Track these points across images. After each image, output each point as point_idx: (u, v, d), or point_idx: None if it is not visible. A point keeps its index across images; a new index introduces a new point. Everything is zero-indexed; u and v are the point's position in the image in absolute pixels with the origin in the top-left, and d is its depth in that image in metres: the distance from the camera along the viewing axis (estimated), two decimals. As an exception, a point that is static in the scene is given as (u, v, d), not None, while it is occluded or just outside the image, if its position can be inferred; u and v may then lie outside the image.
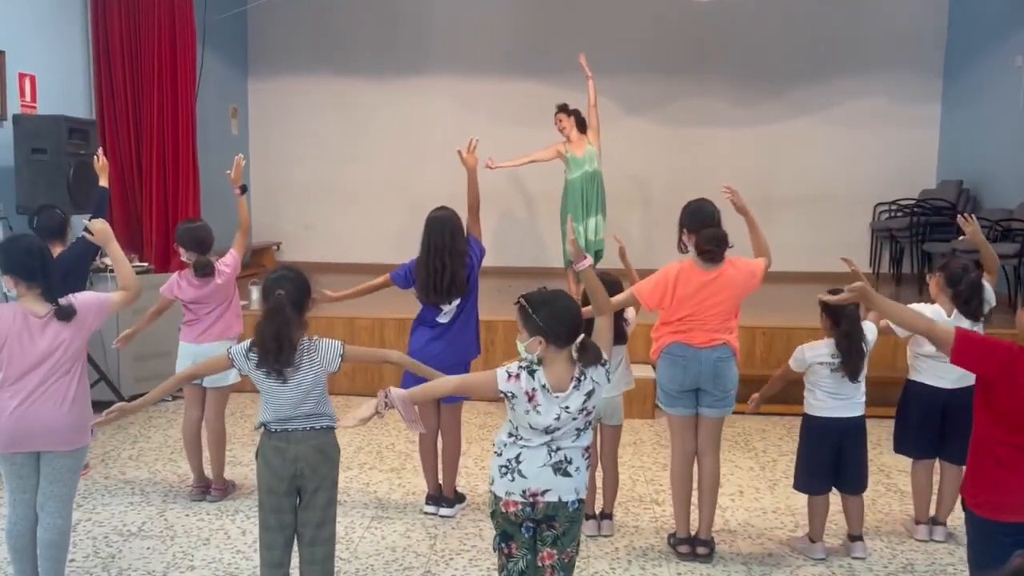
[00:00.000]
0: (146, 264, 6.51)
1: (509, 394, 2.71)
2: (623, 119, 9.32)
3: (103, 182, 4.96)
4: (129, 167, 6.94)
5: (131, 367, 6.17)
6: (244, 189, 4.65)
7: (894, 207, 9.02)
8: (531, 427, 2.71)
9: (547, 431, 2.70)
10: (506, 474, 2.74)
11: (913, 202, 8.89)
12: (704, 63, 9.53)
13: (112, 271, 5.98)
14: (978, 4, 8.74)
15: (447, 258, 4.15)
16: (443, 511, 4.39)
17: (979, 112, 8.57)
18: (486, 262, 4.43)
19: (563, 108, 7.19)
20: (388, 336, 6.55)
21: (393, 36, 9.73)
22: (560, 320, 2.70)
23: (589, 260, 3.07)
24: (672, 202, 9.35)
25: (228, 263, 4.51)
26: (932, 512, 4.16)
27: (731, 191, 3.94)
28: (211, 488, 4.58)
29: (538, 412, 2.67)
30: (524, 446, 2.74)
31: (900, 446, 4.17)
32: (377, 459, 5.26)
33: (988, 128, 8.36)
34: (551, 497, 2.71)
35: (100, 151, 5.12)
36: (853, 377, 3.79)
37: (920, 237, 8.30)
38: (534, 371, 2.71)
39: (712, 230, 3.76)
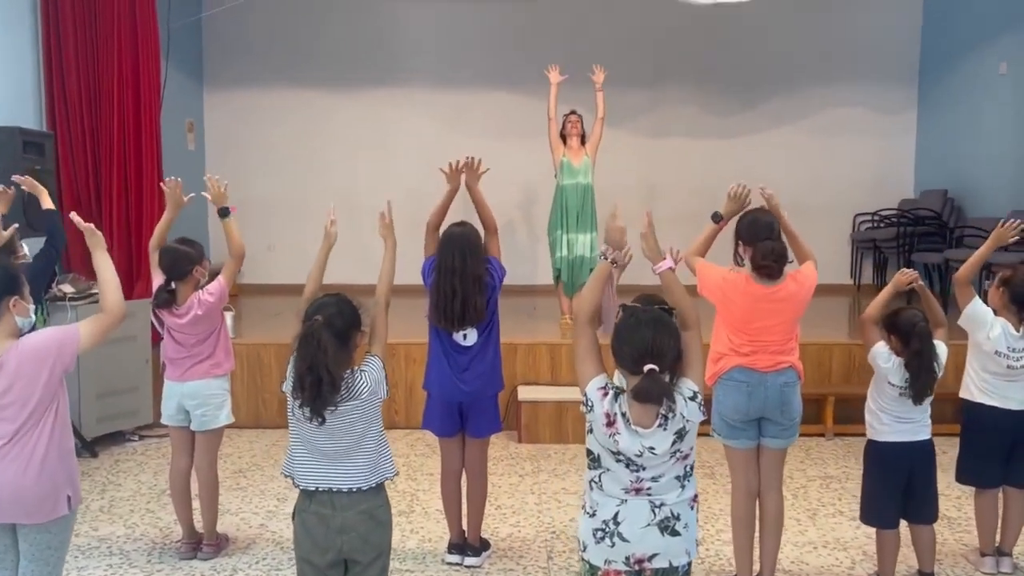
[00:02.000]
0: (106, 291, 5.90)
1: (589, 403, 2.37)
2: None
3: (46, 204, 4.16)
4: (85, 185, 6.33)
5: (93, 406, 5.57)
6: (225, 212, 4.04)
7: (876, 217, 8.92)
8: (613, 454, 2.35)
9: (630, 466, 2.34)
10: (603, 538, 2.35)
11: (894, 212, 8.82)
12: (678, 73, 9.34)
13: (72, 300, 5.45)
14: (951, 13, 8.71)
15: (458, 282, 3.72)
16: (469, 560, 3.97)
17: (958, 120, 8.52)
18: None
19: (575, 112, 6.93)
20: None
21: (358, 45, 9.30)
22: (623, 339, 2.35)
23: (670, 261, 2.62)
24: (651, 213, 9.35)
25: (212, 291, 3.94)
26: (996, 542, 3.91)
27: (768, 194, 3.65)
28: (202, 544, 4.06)
29: (616, 441, 2.32)
30: (615, 496, 2.36)
31: (965, 475, 3.90)
32: (381, 501, 4.79)
33: (970, 136, 8.31)
34: (660, 562, 2.34)
35: (18, 177, 4.17)
36: (918, 400, 3.50)
37: (908, 248, 8.18)
38: (619, 395, 2.35)
39: (770, 243, 3.47)
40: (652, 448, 2.32)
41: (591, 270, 6.64)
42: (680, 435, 2.35)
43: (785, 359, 3.44)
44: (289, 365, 2.63)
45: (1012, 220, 3.87)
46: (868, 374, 6.14)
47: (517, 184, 8.81)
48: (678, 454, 2.37)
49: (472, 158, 4.05)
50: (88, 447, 5.47)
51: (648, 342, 2.30)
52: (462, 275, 3.72)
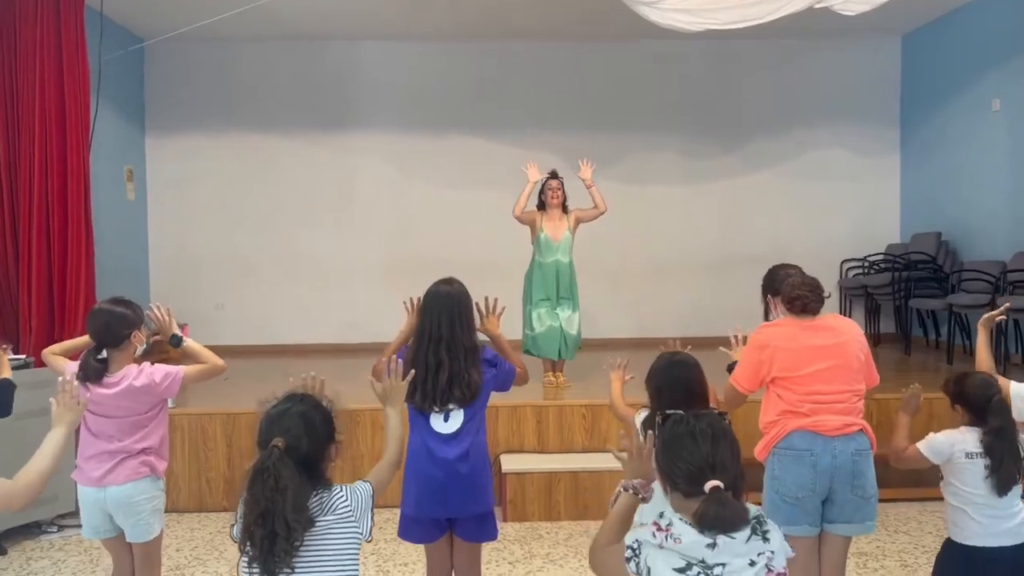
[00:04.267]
0: (24, 357, 5.09)
1: (635, 546, 1.86)
2: (571, 177, 8.54)
3: (4, 373, 3.52)
4: (0, 235, 5.55)
5: (3, 494, 4.70)
6: (177, 341, 3.28)
7: (866, 263, 8.47)
8: (679, 572, 1.81)
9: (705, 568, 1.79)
10: None
11: (882, 257, 8.40)
12: (655, 117, 8.91)
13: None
14: (933, 51, 8.44)
15: (444, 352, 3.01)
16: None
17: (948, 161, 8.16)
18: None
19: (557, 175, 6.20)
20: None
21: (314, 89, 8.73)
22: (673, 454, 1.89)
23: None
24: (626, 263, 8.83)
25: (160, 370, 3.15)
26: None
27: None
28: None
29: (677, 541, 1.79)
30: None
31: None
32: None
33: (961, 177, 7.94)
34: None
35: None
36: (1003, 490, 2.82)
37: (904, 294, 7.71)
38: (663, 513, 1.88)
39: (799, 277, 3.07)
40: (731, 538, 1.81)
41: (578, 347, 6.12)
42: (761, 532, 1.84)
43: (854, 421, 2.87)
44: (240, 504, 1.96)
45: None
46: (884, 428, 5.64)
47: (486, 233, 8.22)
48: (765, 556, 1.81)
49: (487, 300, 3.28)
50: (-5, 543, 4.61)
51: (707, 454, 1.85)
52: (449, 344, 3.02)
